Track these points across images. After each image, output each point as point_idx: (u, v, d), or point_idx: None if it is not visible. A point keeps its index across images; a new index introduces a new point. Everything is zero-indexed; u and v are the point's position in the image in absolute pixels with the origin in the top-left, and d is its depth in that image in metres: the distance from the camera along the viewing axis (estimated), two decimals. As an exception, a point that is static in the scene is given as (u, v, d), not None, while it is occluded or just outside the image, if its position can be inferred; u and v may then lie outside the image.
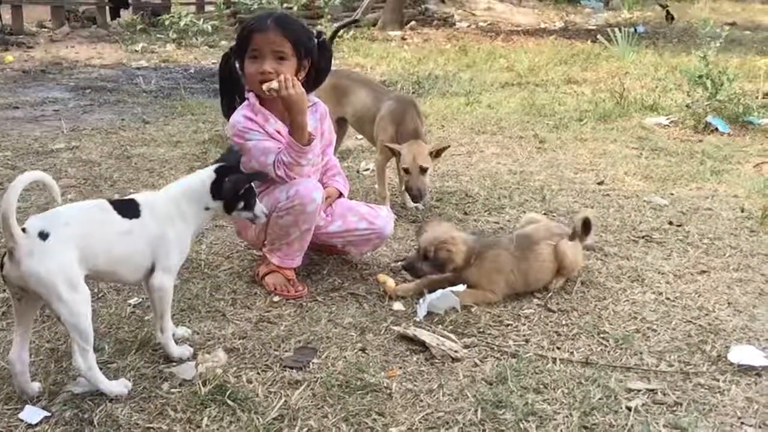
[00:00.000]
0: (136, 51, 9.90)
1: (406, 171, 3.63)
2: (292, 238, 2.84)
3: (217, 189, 2.31)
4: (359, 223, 3.00)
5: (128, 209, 2.19)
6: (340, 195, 3.07)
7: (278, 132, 2.81)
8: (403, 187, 3.75)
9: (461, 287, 2.73)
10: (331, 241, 3.05)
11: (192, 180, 2.35)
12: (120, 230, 2.14)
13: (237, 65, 2.83)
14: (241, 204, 2.39)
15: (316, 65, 2.85)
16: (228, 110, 2.90)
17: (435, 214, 3.81)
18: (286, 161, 2.72)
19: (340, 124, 4.27)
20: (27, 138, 5.18)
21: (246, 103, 2.82)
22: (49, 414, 2.04)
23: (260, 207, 2.47)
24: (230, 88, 2.90)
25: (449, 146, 3.76)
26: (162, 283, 2.24)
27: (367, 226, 3.01)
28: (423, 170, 3.61)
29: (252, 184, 2.43)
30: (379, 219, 3.04)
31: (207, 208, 2.33)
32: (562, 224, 3.25)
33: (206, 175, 2.34)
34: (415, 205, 3.91)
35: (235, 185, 2.34)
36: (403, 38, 12.39)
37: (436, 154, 3.70)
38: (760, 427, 2.08)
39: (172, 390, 2.18)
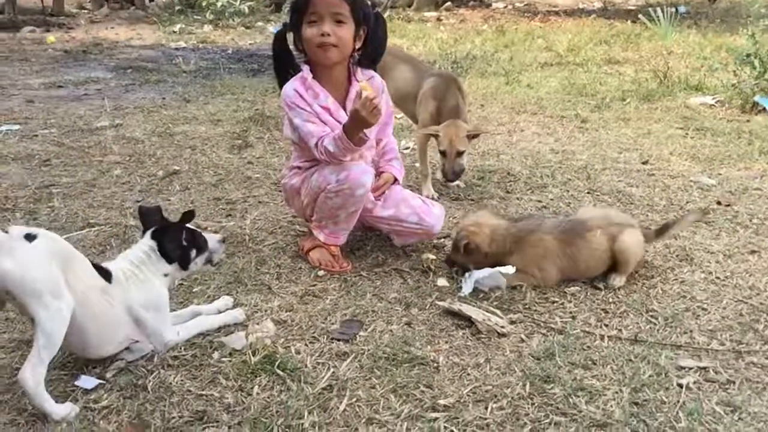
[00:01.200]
0: (174, 32, 9.98)
1: (443, 154, 3.60)
2: (340, 219, 2.85)
3: (165, 254, 2.22)
4: (410, 216, 2.96)
5: (104, 275, 2.10)
6: (395, 181, 3.04)
7: (327, 109, 2.80)
8: (440, 169, 3.72)
9: (510, 268, 2.67)
10: (378, 224, 3.04)
11: (138, 252, 2.22)
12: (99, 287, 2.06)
13: (292, 40, 2.82)
14: (194, 252, 2.29)
15: (371, 37, 2.83)
16: (282, 85, 2.88)
17: (476, 192, 3.79)
18: (331, 150, 2.69)
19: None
20: (72, 116, 5.27)
21: (299, 74, 2.82)
22: (103, 381, 2.08)
23: (212, 238, 2.35)
24: (284, 65, 2.88)
25: (486, 131, 3.70)
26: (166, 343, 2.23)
27: (417, 221, 2.97)
28: (459, 153, 3.57)
29: (189, 227, 2.30)
30: (430, 216, 2.98)
31: (165, 275, 2.23)
32: (627, 215, 3.13)
33: (148, 244, 2.23)
34: (456, 183, 3.88)
35: (175, 243, 2.24)
36: (438, 19, 12.28)
37: (473, 136, 3.66)
38: (816, 406, 2.03)
39: (223, 359, 2.21)
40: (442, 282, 2.79)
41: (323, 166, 2.79)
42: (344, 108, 2.84)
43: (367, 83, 2.70)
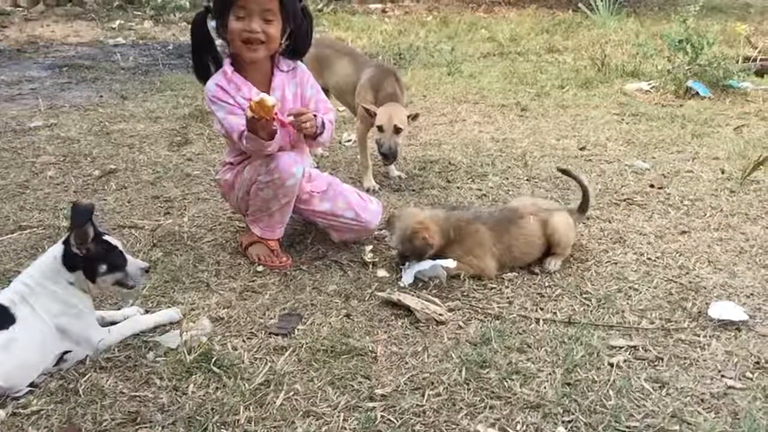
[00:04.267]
0: (113, 28, 9.71)
1: (380, 129, 3.56)
2: (273, 210, 2.83)
3: (69, 260, 2.11)
4: (346, 211, 2.96)
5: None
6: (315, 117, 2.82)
7: (249, 100, 2.77)
8: (376, 147, 3.67)
9: (451, 262, 2.68)
10: (314, 219, 3.02)
11: (44, 260, 2.15)
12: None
13: (213, 27, 2.77)
14: (103, 267, 2.15)
15: (297, 32, 2.82)
16: (202, 75, 2.84)
17: (418, 183, 3.81)
18: (248, 146, 2.69)
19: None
20: (4, 117, 5.09)
21: (221, 69, 2.79)
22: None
23: (136, 264, 2.24)
24: (204, 53, 2.82)
25: (418, 114, 3.69)
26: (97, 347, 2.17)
27: (354, 216, 2.96)
28: (397, 130, 3.54)
29: (110, 241, 2.19)
30: (366, 212, 2.98)
31: (71, 283, 2.13)
32: (553, 201, 3.25)
33: (57, 248, 2.14)
34: (398, 173, 3.90)
35: (79, 247, 2.10)
36: (383, 11, 12.25)
37: (412, 117, 3.65)
38: (739, 378, 2.12)
39: (158, 359, 2.18)
40: (381, 273, 2.80)
41: (254, 159, 2.77)
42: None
43: (256, 104, 2.51)
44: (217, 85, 2.75)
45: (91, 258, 2.13)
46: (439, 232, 2.73)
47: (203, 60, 2.82)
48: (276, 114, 2.56)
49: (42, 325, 2.04)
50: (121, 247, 2.23)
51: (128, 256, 2.25)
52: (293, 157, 2.77)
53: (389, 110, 3.57)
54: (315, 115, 2.76)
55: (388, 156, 3.60)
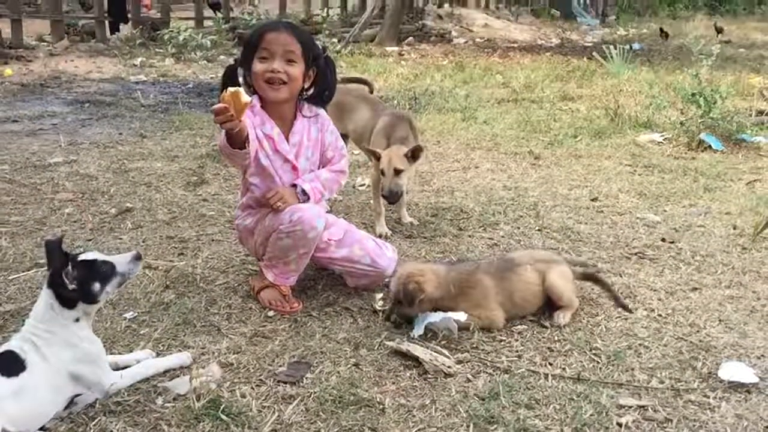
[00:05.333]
0: (134, 65, 9.94)
1: (382, 173, 3.63)
2: (290, 260, 2.87)
3: (64, 301, 2.10)
4: (363, 258, 3.00)
5: (8, 365, 2.01)
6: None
7: (271, 138, 2.87)
8: (381, 192, 3.69)
9: (462, 315, 2.69)
10: (331, 265, 3.07)
11: (42, 310, 2.12)
12: (10, 391, 1.97)
13: (242, 74, 2.85)
14: (96, 285, 2.14)
15: (320, 78, 2.92)
16: None
17: (430, 230, 3.83)
18: (224, 150, 2.70)
19: (342, 139, 4.30)
20: (25, 152, 5.20)
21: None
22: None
23: (122, 260, 2.21)
24: None
25: (423, 147, 3.72)
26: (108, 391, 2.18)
27: (370, 263, 3.00)
28: (397, 172, 3.59)
29: (97, 259, 2.17)
30: (382, 259, 3.02)
31: (77, 320, 2.14)
32: (552, 251, 3.28)
33: (47, 296, 2.11)
34: (410, 220, 3.93)
35: (68, 284, 2.08)
36: (400, 54, 12.46)
37: (412, 155, 3.64)
38: (749, 443, 2.10)
39: (166, 404, 2.19)
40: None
41: (276, 211, 2.82)
42: (288, 141, 2.91)
43: (230, 95, 2.43)
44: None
45: (81, 285, 2.11)
46: (437, 284, 2.73)
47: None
48: (246, 113, 2.56)
49: (53, 372, 2.06)
50: (99, 256, 2.19)
51: (112, 257, 2.21)
52: (317, 210, 2.83)
53: (390, 153, 3.64)
54: (295, 185, 2.89)
55: (388, 198, 3.65)
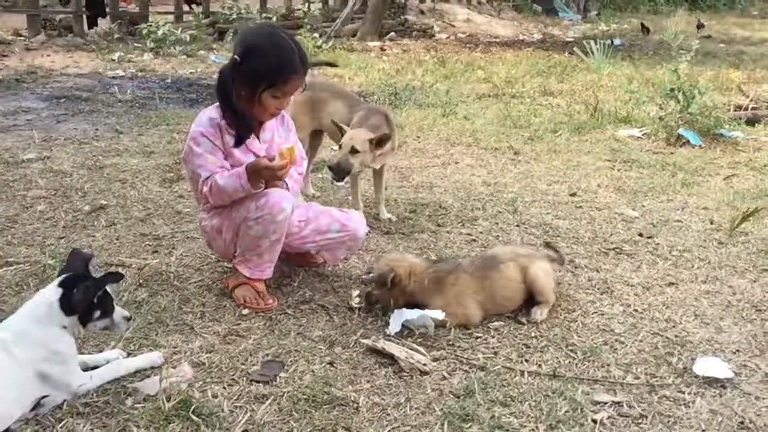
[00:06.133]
0: (112, 60, 9.80)
1: (340, 147, 3.60)
2: (263, 249, 2.82)
3: (66, 304, 2.13)
4: (332, 225, 3.01)
5: None
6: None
7: (233, 148, 2.79)
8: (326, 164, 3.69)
9: (440, 313, 2.67)
10: (305, 246, 3.04)
11: (37, 304, 2.15)
12: None
13: (232, 84, 2.72)
14: (97, 313, 2.20)
15: None
16: (248, 130, 2.82)
17: (408, 226, 3.81)
18: (221, 185, 2.71)
19: (317, 135, 4.27)
20: (-2, 148, 5.11)
21: (216, 106, 2.80)
22: None
23: (120, 312, 2.27)
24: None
25: (389, 135, 3.67)
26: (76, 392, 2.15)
27: (340, 228, 3.02)
28: (353, 150, 3.54)
29: (107, 288, 2.23)
30: (351, 221, 3.05)
31: (64, 327, 2.13)
32: (532, 247, 3.26)
33: (51, 293, 2.15)
34: (388, 216, 3.90)
35: (85, 295, 2.15)
36: (382, 49, 12.40)
37: (378, 142, 3.58)
38: (723, 439, 2.10)
39: (136, 405, 2.16)
40: (368, 319, 2.79)
41: (243, 198, 2.77)
42: (258, 138, 2.87)
43: (288, 150, 2.73)
44: (211, 120, 2.76)
45: (89, 304, 2.16)
46: (411, 275, 2.74)
47: (243, 111, 2.76)
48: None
49: (19, 373, 2.02)
50: (113, 295, 2.27)
51: (114, 304, 2.27)
52: (283, 193, 2.79)
53: (354, 132, 3.62)
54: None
55: (332, 169, 3.57)
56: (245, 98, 2.74)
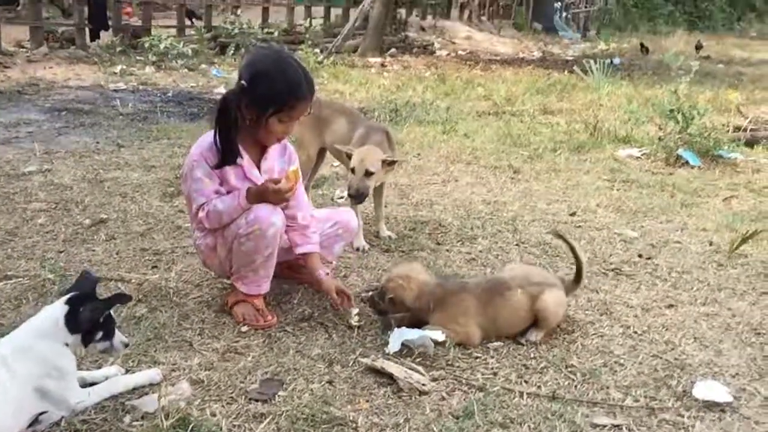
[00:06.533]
0: (114, 73, 9.85)
1: (352, 171, 3.60)
2: (257, 264, 2.82)
3: (71, 322, 2.14)
4: (324, 223, 3.10)
5: None
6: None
7: (241, 167, 2.80)
8: (347, 190, 3.69)
9: (440, 334, 2.66)
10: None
11: (42, 319, 2.17)
12: None
13: (239, 107, 2.71)
14: (100, 334, 2.21)
15: None
16: (232, 156, 2.78)
17: (408, 244, 3.81)
18: (220, 209, 2.73)
19: (320, 152, 4.28)
20: (-1, 160, 5.12)
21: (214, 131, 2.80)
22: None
23: (119, 337, 2.29)
24: (233, 131, 2.75)
25: (403, 161, 3.74)
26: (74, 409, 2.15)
27: (332, 223, 3.12)
28: (368, 173, 3.56)
29: (110, 312, 2.25)
30: (341, 214, 3.21)
31: (66, 344, 2.14)
32: (548, 272, 3.17)
33: (57, 309, 2.17)
34: (388, 233, 3.91)
35: (92, 314, 2.18)
36: (382, 65, 12.48)
37: (389, 164, 3.65)
38: (722, 464, 2.09)
39: (134, 423, 2.15)
40: (367, 338, 2.78)
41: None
42: (258, 167, 2.86)
43: (293, 173, 2.81)
44: (212, 144, 2.76)
45: (92, 324, 2.18)
46: (416, 295, 2.74)
47: (234, 139, 2.75)
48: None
49: (18, 389, 2.01)
50: (114, 317, 2.29)
51: (115, 328, 2.29)
52: (271, 207, 2.76)
53: (363, 152, 3.61)
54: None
55: (354, 197, 3.64)
56: (251, 123, 2.74)
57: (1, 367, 2.00)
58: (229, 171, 2.78)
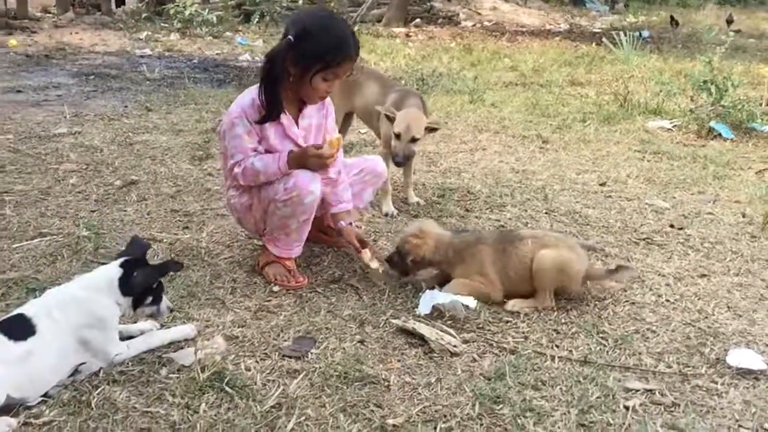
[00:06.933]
0: (140, 39, 9.87)
1: (397, 136, 3.59)
2: (291, 229, 2.84)
3: (125, 285, 2.19)
4: (351, 170, 3.12)
5: (18, 329, 2.01)
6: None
7: (281, 124, 2.79)
8: (393, 157, 3.66)
9: (472, 300, 2.68)
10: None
11: (96, 276, 2.21)
12: (16, 356, 1.96)
13: (284, 63, 2.68)
14: (149, 299, 2.27)
15: None
16: (276, 111, 2.76)
17: (436, 210, 3.80)
18: (258, 168, 2.73)
19: (348, 117, 4.26)
20: (29, 122, 5.17)
21: (256, 88, 2.77)
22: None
23: (166, 302, 2.34)
24: (278, 85, 2.73)
25: (439, 127, 3.76)
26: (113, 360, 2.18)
27: (359, 170, 3.14)
28: (413, 140, 3.58)
29: (162, 284, 2.31)
30: (368, 161, 3.21)
31: (118, 304, 2.19)
32: (572, 239, 3.04)
33: (112, 270, 2.21)
34: (416, 200, 3.90)
35: (146, 279, 2.23)
36: (407, 35, 12.36)
37: (431, 129, 3.66)
38: (757, 430, 2.08)
39: (171, 375, 2.18)
40: (398, 300, 2.79)
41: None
42: (297, 124, 2.85)
43: (337, 140, 2.83)
44: (254, 101, 2.75)
45: (144, 288, 2.23)
46: (434, 249, 2.79)
47: (279, 95, 2.74)
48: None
49: (62, 339, 2.05)
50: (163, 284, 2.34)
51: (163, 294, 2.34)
52: (311, 174, 2.77)
53: (408, 117, 3.59)
54: None
55: (402, 162, 3.66)
56: (294, 80, 2.72)
57: (45, 318, 2.04)
58: (269, 128, 2.77)
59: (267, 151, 2.78)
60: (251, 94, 2.77)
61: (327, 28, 2.68)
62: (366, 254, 2.92)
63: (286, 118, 2.79)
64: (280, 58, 2.67)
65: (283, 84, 2.73)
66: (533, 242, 2.77)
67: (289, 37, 2.65)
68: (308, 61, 2.66)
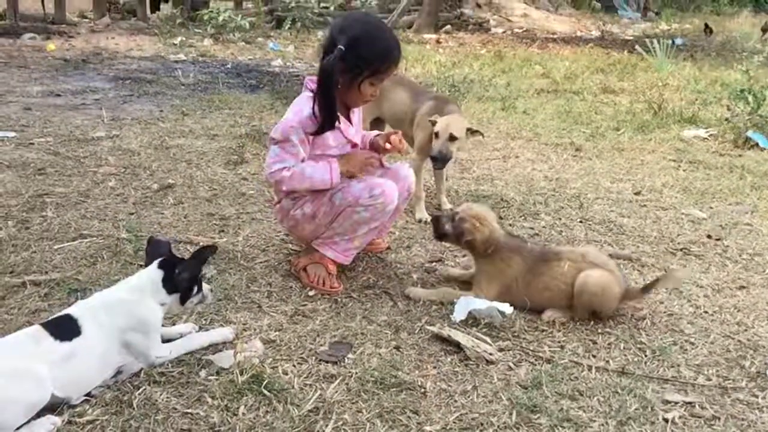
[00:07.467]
0: (174, 44, 10.00)
1: (436, 135, 3.62)
2: (357, 234, 2.89)
3: (169, 283, 2.24)
4: (374, 171, 3.06)
5: (64, 329, 2.04)
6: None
7: (338, 128, 2.83)
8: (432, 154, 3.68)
9: (508, 306, 2.66)
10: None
11: (139, 281, 2.24)
12: (61, 355, 1.99)
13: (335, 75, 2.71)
14: (195, 290, 2.32)
15: None
16: (332, 121, 2.80)
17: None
18: (308, 173, 2.77)
19: (376, 123, 4.28)
20: (69, 125, 5.27)
21: (311, 96, 2.79)
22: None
23: (206, 286, 2.38)
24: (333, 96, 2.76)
25: (482, 132, 3.79)
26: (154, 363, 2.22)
27: (381, 172, 3.04)
28: (452, 138, 3.59)
29: (201, 271, 2.35)
30: (391, 167, 3.13)
31: (163, 304, 2.24)
32: (613, 263, 2.86)
33: (153, 273, 2.24)
34: (450, 207, 3.90)
35: (191, 272, 2.28)
36: (438, 41, 12.37)
37: (473, 132, 3.69)
38: (800, 445, 2.04)
39: (210, 377, 2.20)
40: (433, 306, 2.79)
41: (349, 184, 2.83)
42: (351, 123, 2.94)
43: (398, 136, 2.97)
44: (311, 112, 2.77)
45: (189, 283, 2.28)
46: (486, 239, 2.79)
47: (334, 107, 2.77)
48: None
49: (106, 341, 2.09)
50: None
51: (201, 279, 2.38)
52: (394, 185, 2.89)
53: (449, 119, 3.64)
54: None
55: (438, 159, 3.65)
56: (343, 87, 2.77)
57: (91, 321, 2.08)
58: (328, 134, 2.83)
59: (319, 157, 2.84)
60: (305, 103, 2.79)
61: (376, 36, 2.74)
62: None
63: (343, 122, 2.87)
64: (332, 69, 2.69)
65: (335, 92, 2.76)
66: (570, 265, 2.72)
67: (340, 47, 2.68)
68: (359, 67, 2.72)
